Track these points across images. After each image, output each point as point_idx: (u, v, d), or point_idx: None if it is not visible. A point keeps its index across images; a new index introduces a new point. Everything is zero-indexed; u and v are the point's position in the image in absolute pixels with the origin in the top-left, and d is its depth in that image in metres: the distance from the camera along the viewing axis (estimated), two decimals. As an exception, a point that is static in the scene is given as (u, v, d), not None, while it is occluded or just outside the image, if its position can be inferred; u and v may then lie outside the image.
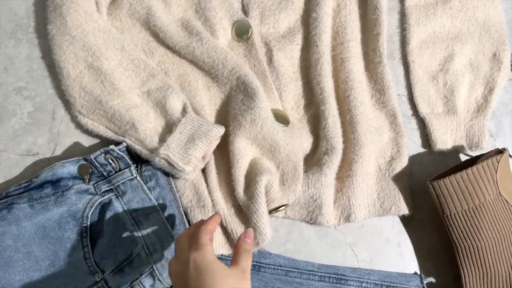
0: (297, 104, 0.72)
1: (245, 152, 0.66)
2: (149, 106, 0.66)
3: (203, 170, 0.68)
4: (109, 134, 0.66)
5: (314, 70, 0.70)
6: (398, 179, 0.69)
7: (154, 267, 0.64)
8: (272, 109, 0.69)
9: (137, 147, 0.64)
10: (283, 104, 0.71)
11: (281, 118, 0.69)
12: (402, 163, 0.70)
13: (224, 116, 0.70)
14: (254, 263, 0.66)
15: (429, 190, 0.65)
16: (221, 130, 0.65)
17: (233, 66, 0.68)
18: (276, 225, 0.69)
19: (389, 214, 0.69)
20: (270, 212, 0.65)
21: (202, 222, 0.54)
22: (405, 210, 0.68)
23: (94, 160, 0.64)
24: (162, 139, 0.64)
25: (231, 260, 0.50)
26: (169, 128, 0.65)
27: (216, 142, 0.66)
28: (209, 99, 0.70)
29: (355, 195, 0.68)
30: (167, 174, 0.66)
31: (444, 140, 0.71)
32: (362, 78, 0.72)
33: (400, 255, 0.69)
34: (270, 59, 0.72)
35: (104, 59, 0.66)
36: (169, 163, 0.62)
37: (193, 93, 0.70)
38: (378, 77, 0.72)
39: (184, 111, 0.66)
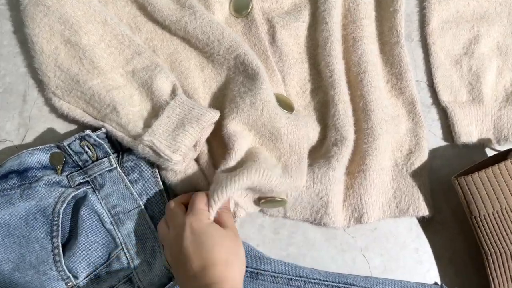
0: (303, 89, 0.64)
1: (242, 135, 0.57)
2: (134, 87, 0.58)
3: (197, 161, 0.59)
4: (87, 119, 0.58)
5: (323, 50, 0.62)
6: (417, 175, 0.61)
7: (135, 272, 0.55)
8: (274, 93, 0.61)
9: (119, 133, 0.55)
10: (286, 88, 0.63)
11: (284, 104, 0.60)
12: (421, 157, 0.61)
13: (220, 101, 0.61)
14: (252, 269, 0.57)
15: (455, 188, 0.56)
16: (215, 115, 0.56)
17: (230, 44, 0.60)
18: (277, 227, 0.61)
19: (406, 215, 0.60)
20: (263, 202, 0.57)
21: (192, 192, 0.53)
22: (424, 211, 0.60)
23: (67, 148, 0.55)
24: (147, 125, 0.55)
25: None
26: (155, 112, 0.56)
27: (209, 128, 0.58)
28: (203, 81, 0.62)
29: (368, 193, 0.59)
30: (152, 165, 0.57)
31: (468, 132, 0.63)
32: (376, 60, 0.64)
33: (419, 262, 0.61)
34: (272, 38, 0.64)
35: (83, 34, 0.57)
36: (154, 151, 0.53)
37: (184, 74, 0.61)
38: (395, 59, 0.64)
39: (173, 93, 0.57)
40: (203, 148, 0.59)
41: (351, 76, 0.63)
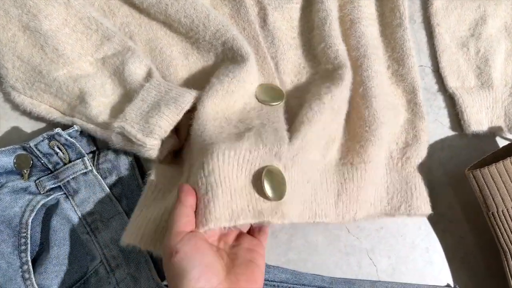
0: (298, 76, 0.58)
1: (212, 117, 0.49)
2: (105, 75, 0.51)
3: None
4: (54, 115, 0.51)
5: (321, 32, 0.56)
6: (413, 171, 0.55)
7: (117, 287, 0.49)
8: (262, 84, 0.54)
9: (90, 126, 0.49)
10: (280, 76, 0.57)
11: (274, 93, 0.54)
12: (419, 152, 0.56)
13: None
14: (248, 279, 0.51)
15: (469, 181, 0.51)
16: (196, 96, 0.49)
17: (217, 28, 0.53)
18: (275, 230, 0.55)
19: (397, 214, 0.54)
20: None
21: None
22: (418, 210, 0.54)
23: (34, 149, 0.48)
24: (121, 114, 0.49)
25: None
26: (129, 99, 0.50)
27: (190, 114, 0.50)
28: (187, 70, 0.55)
29: (366, 187, 0.53)
30: (133, 167, 0.50)
31: (478, 120, 0.58)
32: (377, 44, 0.59)
33: (429, 263, 0.56)
34: (263, 21, 0.58)
35: (43, 18, 0.50)
36: (126, 138, 0.47)
37: (166, 63, 0.55)
38: (397, 43, 0.58)
39: (148, 76, 0.51)
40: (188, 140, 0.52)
41: (350, 61, 0.57)
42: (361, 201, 0.52)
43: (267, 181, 0.44)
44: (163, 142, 0.48)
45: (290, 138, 0.48)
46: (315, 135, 0.50)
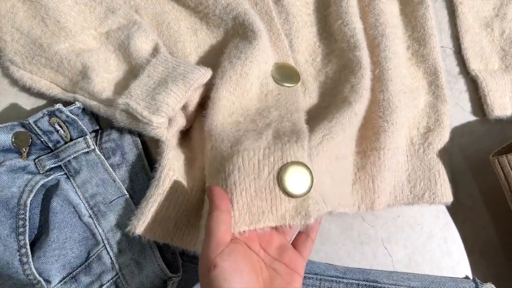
0: (313, 55, 0.55)
1: (227, 111, 0.47)
2: (109, 50, 0.48)
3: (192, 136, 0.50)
4: (55, 91, 0.48)
5: (338, 8, 0.53)
6: (436, 157, 0.52)
7: (120, 274, 0.46)
8: (277, 63, 0.52)
9: (93, 103, 0.46)
10: (294, 56, 0.54)
11: (289, 75, 0.52)
12: (441, 137, 0.53)
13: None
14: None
15: (493, 168, 0.48)
16: (206, 73, 0.47)
17: (228, 2, 0.50)
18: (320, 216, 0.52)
19: (421, 202, 0.52)
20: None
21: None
22: (442, 198, 0.51)
23: (34, 126, 0.46)
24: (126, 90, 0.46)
25: None
26: (134, 76, 0.47)
27: (199, 94, 0.48)
28: (196, 47, 0.52)
29: (381, 175, 0.51)
30: (137, 146, 0.48)
31: (502, 104, 0.55)
32: (397, 22, 0.55)
33: (447, 254, 0.53)
34: (277, -4, 0.55)
35: None
36: (132, 115, 0.44)
37: (173, 39, 0.52)
38: (418, 22, 0.55)
39: (155, 52, 0.48)
40: (198, 119, 0.49)
41: (366, 40, 0.54)
42: (377, 190, 0.50)
43: (289, 178, 0.41)
44: (171, 120, 0.45)
45: (310, 131, 0.46)
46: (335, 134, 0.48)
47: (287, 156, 0.42)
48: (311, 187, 0.42)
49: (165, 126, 0.44)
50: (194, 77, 0.45)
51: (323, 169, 0.45)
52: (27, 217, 0.45)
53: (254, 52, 0.48)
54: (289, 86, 0.51)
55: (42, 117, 0.45)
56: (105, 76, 0.47)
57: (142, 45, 0.47)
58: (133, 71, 0.47)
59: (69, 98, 0.47)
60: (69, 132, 0.46)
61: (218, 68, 0.49)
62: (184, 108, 0.47)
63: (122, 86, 0.46)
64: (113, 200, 0.47)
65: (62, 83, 0.48)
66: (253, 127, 0.45)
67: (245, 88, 0.48)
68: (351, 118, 0.48)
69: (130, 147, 0.48)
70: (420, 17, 0.55)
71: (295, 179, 0.41)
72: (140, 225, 0.43)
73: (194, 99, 0.47)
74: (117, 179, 0.47)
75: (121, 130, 0.48)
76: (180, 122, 0.46)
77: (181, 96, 0.44)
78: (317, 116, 0.50)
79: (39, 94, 0.50)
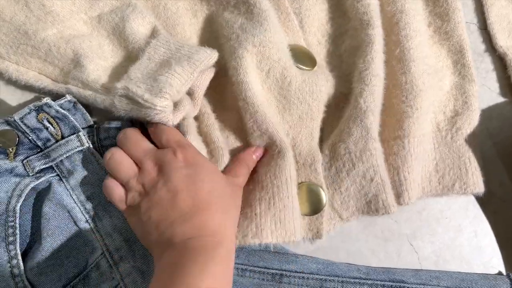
0: (325, 35, 0.50)
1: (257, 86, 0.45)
2: (102, 35, 0.44)
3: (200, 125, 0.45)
4: (44, 83, 0.43)
5: (351, -18, 0.48)
6: (465, 143, 0.48)
7: (122, 284, 0.42)
8: (290, 45, 0.47)
9: (88, 92, 0.41)
10: (305, 37, 0.49)
11: (303, 59, 0.47)
12: (470, 121, 0.48)
13: (221, 54, 0.47)
14: (274, 270, 0.44)
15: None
16: (212, 54, 0.42)
17: (231, -21, 0.45)
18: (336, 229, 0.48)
19: (451, 193, 0.48)
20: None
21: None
22: (474, 188, 0.47)
23: (20, 123, 0.41)
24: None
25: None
26: (133, 61, 0.42)
27: (208, 75, 0.44)
28: (196, 30, 0.47)
29: (407, 166, 0.46)
30: None
31: (533, 84, 0.50)
32: (416, -3, 0.50)
33: (478, 249, 0.49)
34: (284, -29, 0.50)
35: None
36: (132, 100, 0.39)
37: (171, 21, 0.47)
38: (440, -5, 0.50)
39: (154, 34, 0.43)
40: (205, 107, 0.45)
41: (384, 18, 0.49)
42: (404, 182, 0.45)
43: (304, 197, 0.45)
44: (177, 104, 0.41)
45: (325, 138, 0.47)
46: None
47: (301, 177, 0.45)
48: (324, 205, 0.45)
49: (170, 110, 0.40)
50: (200, 57, 0.40)
51: (339, 177, 0.46)
52: (17, 225, 0.41)
53: (266, 34, 0.44)
54: (307, 69, 0.46)
55: (29, 113, 0.41)
56: (100, 63, 0.42)
57: (139, 28, 0.43)
58: (130, 57, 0.43)
59: (61, 90, 0.42)
60: (60, 129, 0.42)
61: (227, 54, 0.45)
62: (191, 94, 0.43)
63: (120, 73, 0.41)
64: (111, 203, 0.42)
65: (52, 74, 0.43)
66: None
67: (261, 78, 0.45)
68: (359, 117, 0.45)
69: None
70: (442, -10, 0.50)
71: (310, 198, 0.45)
72: None
73: (201, 84, 0.43)
74: (115, 179, 0.42)
75: (119, 126, 0.43)
76: (188, 107, 0.42)
77: (186, 78, 0.40)
78: (332, 114, 0.47)
79: (25, 88, 0.45)
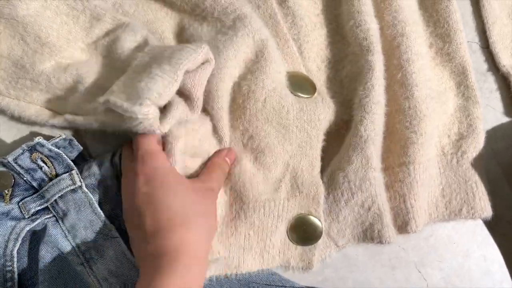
0: (325, 62, 0.49)
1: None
2: (99, 60, 0.43)
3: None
4: (45, 118, 0.42)
5: (350, 7, 0.47)
6: (471, 167, 0.47)
7: (123, 326, 0.41)
8: (289, 72, 0.46)
9: (80, 118, 0.40)
10: (305, 63, 0.48)
11: (303, 84, 0.46)
12: (476, 144, 0.47)
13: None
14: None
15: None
16: (197, 49, 0.39)
17: (228, 2, 0.44)
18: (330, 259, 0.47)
19: (458, 218, 0.47)
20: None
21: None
22: (482, 213, 0.46)
23: (14, 164, 0.40)
24: None
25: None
26: None
27: (204, 72, 0.41)
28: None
29: (413, 193, 0.45)
30: (116, 177, 0.42)
31: (538, 103, 0.49)
32: (416, 18, 0.49)
33: (487, 273, 0.48)
34: (281, -4, 0.49)
35: (17, 1, 0.41)
36: (113, 112, 0.37)
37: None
38: (441, 16, 0.49)
39: (144, 46, 0.42)
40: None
41: (384, 41, 0.48)
42: (411, 210, 0.44)
43: (300, 227, 0.44)
44: (166, 110, 0.38)
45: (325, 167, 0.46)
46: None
47: (302, 209, 0.44)
48: (320, 236, 0.44)
49: (155, 117, 0.37)
50: (182, 55, 0.37)
51: (337, 206, 0.45)
52: (15, 269, 0.40)
53: (263, 63, 0.43)
54: (306, 97, 0.45)
55: (22, 153, 0.40)
56: (98, 87, 0.41)
57: (131, 44, 0.41)
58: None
59: (60, 122, 0.41)
60: (54, 168, 0.41)
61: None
62: (187, 95, 0.40)
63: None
64: (104, 245, 0.41)
65: (55, 105, 0.42)
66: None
67: (256, 107, 0.44)
68: (359, 146, 0.44)
69: (111, 180, 0.42)
70: (443, 11, 0.49)
71: (306, 229, 0.44)
72: None
73: (198, 83, 0.40)
74: (107, 220, 0.41)
75: (100, 162, 0.42)
76: (180, 111, 0.39)
77: (169, 79, 0.36)
78: (332, 141, 0.46)
79: (28, 122, 0.43)
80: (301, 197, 0.44)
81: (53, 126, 0.43)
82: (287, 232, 0.44)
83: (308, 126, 0.45)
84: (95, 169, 0.41)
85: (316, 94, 0.46)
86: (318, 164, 0.45)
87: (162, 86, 0.36)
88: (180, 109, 0.39)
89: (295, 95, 0.45)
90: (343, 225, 0.45)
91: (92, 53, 0.43)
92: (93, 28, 0.43)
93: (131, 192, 0.37)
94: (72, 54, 0.42)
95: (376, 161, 0.45)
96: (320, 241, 0.44)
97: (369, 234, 0.45)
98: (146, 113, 0.36)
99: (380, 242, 0.44)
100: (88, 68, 0.42)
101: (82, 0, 0.43)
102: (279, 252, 0.44)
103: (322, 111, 0.45)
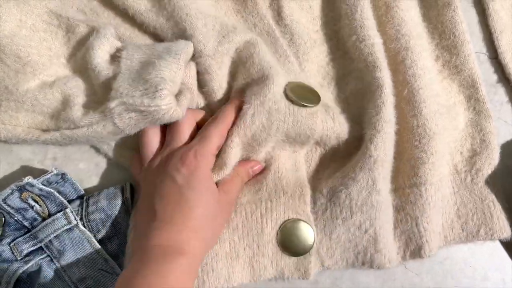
0: (327, 78, 0.47)
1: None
2: (82, 72, 0.42)
3: None
4: (36, 135, 0.40)
5: (351, 21, 0.45)
6: (487, 185, 0.44)
7: None
8: (290, 82, 0.43)
9: (81, 131, 0.39)
10: (306, 79, 0.46)
11: (306, 93, 0.43)
12: (491, 160, 0.45)
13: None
14: None
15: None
16: (188, 43, 0.41)
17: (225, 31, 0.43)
18: (315, 274, 0.44)
19: (476, 240, 0.44)
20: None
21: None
22: (501, 233, 0.44)
23: (3, 204, 0.38)
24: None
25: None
26: (109, 83, 0.40)
27: (192, 67, 0.43)
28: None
29: (426, 215, 0.43)
30: (127, 212, 0.40)
31: (553, 114, 0.46)
32: (420, 31, 0.47)
33: (507, 297, 0.45)
34: (278, 14, 0.47)
35: None
36: (133, 112, 0.37)
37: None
38: (447, 27, 0.47)
39: (122, 49, 0.41)
40: None
41: (388, 56, 0.46)
42: (424, 234, 0.42)
43: (292, 234, 0.42)
44: (178, 96, 0.40)
45: (324, 180, 0.44)
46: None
47: (289, 210, 0.43)
48: (313, 244, 0.42)
49: (176, 104, 0.38)
50: (179, 47, 0.40)
51: (333, 222, 0.43)
52: (9, 316, 0.38)
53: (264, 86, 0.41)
54: (307, 106, 0.42)
55: (11, 193, 0.38)
56: (90, 98, 0.40)
57: (102, 53, 0.40)
58: (110, 83, 0.40)
59: (54, 137, 0.39)
60: (47, 207, 0.39)
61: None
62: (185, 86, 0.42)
63: (105, 95, 0.39)
64: (107, 283, 0.39)
65: (43, 124, 0.40)
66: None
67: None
68: (367, 166, 0.41)
69: (122, 215, 0.40)
70: (448, 22, 0.47)
71: (298, 236, 0.42)
72: None
73: (189, 74, 0.42)
74: (109, 258, 0.39)
75: (108, 195, 0.40)
76: (189, 96, 0.41)
77: (175, 68, 0.38)
78: (335, 157, 0.45)
79: (13, 157, 0.42)
80: (285, 198, 0.43)
81: (44, 143, 0.41)
82: (277, 242, 0.42)
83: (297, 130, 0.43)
84: (103, 203, 0.39)
85: (320, 105, 0.43)
86: (303, 168, 0.44)
87: (173, 75, 0.38)
88: (188, 94, 0.41)
89: (293, 104, 0.43)
90: (334, 243, 0.42)
91: (76, 64, 0.42)
92: (70, 41, 0.42)
93: (166, 172, 0.37)
94: (55, 71, 0.42)
95: (382, 183, 0.42)
96: (314, 250, 0.42)
97: (361, 258, 0.42)
98: (169, 102, 0.37)
99: (371, 266, 0.42)
100: (76, 82, 0.41)
101: (57, 14, 0.41)
102: (271, 262, 0.42)
103: (321, 123, 0.43)
